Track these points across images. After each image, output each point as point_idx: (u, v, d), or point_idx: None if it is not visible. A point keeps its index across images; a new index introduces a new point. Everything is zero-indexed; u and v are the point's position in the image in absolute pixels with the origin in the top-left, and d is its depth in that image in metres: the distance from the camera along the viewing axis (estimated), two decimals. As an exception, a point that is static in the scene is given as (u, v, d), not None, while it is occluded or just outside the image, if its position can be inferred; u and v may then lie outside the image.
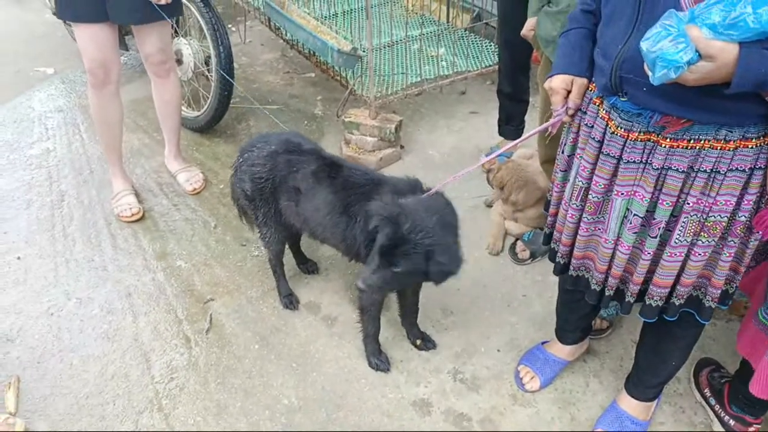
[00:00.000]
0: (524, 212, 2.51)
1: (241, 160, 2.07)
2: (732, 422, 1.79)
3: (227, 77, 2.89)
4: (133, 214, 2.70)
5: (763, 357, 1.54)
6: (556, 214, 1.63)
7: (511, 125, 2.92)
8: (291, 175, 1.96)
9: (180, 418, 1.90)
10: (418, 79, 3.22)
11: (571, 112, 1.42)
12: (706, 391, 1.91)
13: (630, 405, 1.84)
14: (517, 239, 2.56)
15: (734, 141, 1.18)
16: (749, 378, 1.73)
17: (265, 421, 1.90)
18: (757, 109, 1.14)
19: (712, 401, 1.87)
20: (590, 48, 1.35)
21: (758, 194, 1.26)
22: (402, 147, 3.16)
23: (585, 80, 1.37)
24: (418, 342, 2.12)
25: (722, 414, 1.82)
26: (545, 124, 1.52)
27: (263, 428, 1.88)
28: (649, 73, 1.07)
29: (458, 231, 1.75)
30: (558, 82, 1.39)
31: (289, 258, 2.41)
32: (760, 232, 1.29)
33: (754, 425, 1.77)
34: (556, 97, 1.41)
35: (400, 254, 1.59)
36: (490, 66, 3.33)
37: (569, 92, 1.40)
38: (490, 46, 3.53)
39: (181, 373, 2.05)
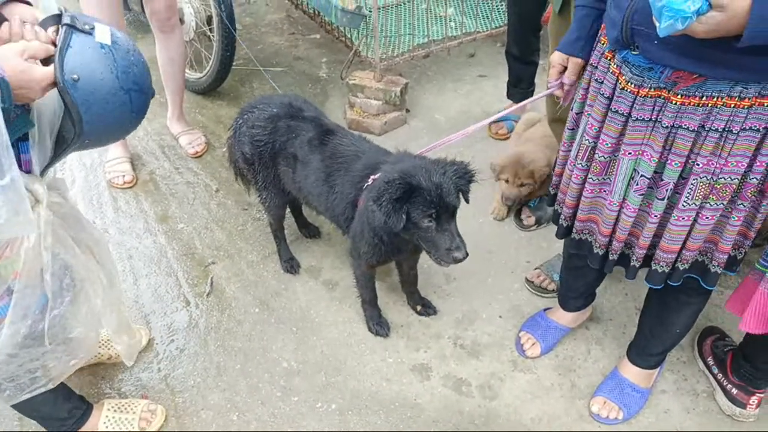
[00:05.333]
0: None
1: (240, 121, 2.02)
2: (734, 391, 1.77)
3: (230, 27, 2.79)
4: (125, 182, 2.67)
5: (757, 288, 1.45)
6: (561, 174, 1.59)
7: (519, 88, 2.84)
8: (290, 141, 1.92)
9: (180, 379, 1.91)
10: (426, 40, 3.13)
11: (565, 87, 1.53)
12: (709, 359, 1.88)
13: (632, 372, 1.81)
14: (522, 205, 2.52)
15: (749, 98, 1.12)
16: (751, 352, 1.70)
17: (265, 384, 1.90)
18: (775, 64, 1.07)
19: (715, 370, 1.84)
20: (591, 27, 1.41)
21: (772, 156, 1.19)
22: (407, 111, 3.09)
23: (580, 60, 1.46)
24: (419, 308, 2.10)
25: (725, 383, 1.80)
26: (538, 95, 1.71)
27: (262, 391, 1.88)
28: (657, 24, 1.01)
29: None
30: (556, 57, 1.51)
31: (290, 222, 2.38)
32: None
33: (757, 394, 1.74)
34: (552, 71, 1.53)
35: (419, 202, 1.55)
36: (500, 27, 3.22)
37: (566, 68, 1.50)
38: (501, 5, 3.41)
39: (182, 335, 2.05)
